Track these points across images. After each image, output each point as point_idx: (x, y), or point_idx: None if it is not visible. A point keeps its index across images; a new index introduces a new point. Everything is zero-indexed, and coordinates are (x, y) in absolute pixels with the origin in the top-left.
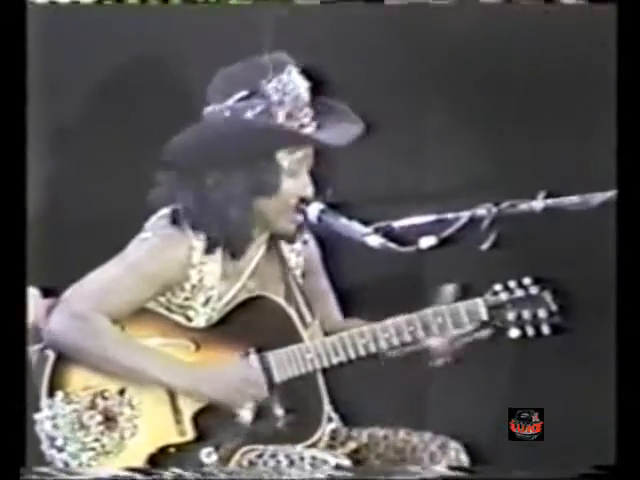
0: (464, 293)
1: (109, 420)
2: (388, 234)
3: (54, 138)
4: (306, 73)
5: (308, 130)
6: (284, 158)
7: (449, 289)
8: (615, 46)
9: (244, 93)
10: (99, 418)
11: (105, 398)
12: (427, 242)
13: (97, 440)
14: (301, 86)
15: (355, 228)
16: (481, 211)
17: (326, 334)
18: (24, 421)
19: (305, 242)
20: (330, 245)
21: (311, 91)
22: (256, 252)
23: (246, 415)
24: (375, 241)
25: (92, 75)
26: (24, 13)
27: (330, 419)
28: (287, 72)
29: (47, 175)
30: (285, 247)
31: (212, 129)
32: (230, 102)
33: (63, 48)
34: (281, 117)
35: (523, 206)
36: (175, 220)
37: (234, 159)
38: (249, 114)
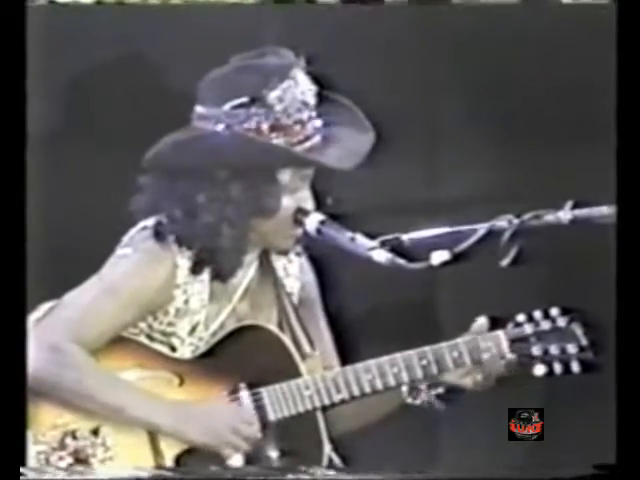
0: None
1: (80, 462)
2: (396, 248)
3: (54, 138)
4: (313, 75)
5: (314, 141)
6: (285, 175)
7: (481, 322)
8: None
9: (243, 100)
10: (69, 460)
11: (76, 438)
12: (440, 257)
13: None
14: (307, 90)
15: (359, 242)
16: (501, 223)
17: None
18: (24, 421)
19: (299, 254)
20: (330, 261)
21: (318, 96)
22: (246, 270)
23: (236, 460)
24: (381, 256)
25: (92, 75)
26: (24, 13)
27: (331, 462)
28: (292, 77)
29: (47, 174)
30: (280, 267)
31: (207, 141)
32: (226, 108)
33: (63, 48)
34: (284, 129)
35: (548, 217)
36: (158, 234)
37: (231, 177)
38: (248, 124)
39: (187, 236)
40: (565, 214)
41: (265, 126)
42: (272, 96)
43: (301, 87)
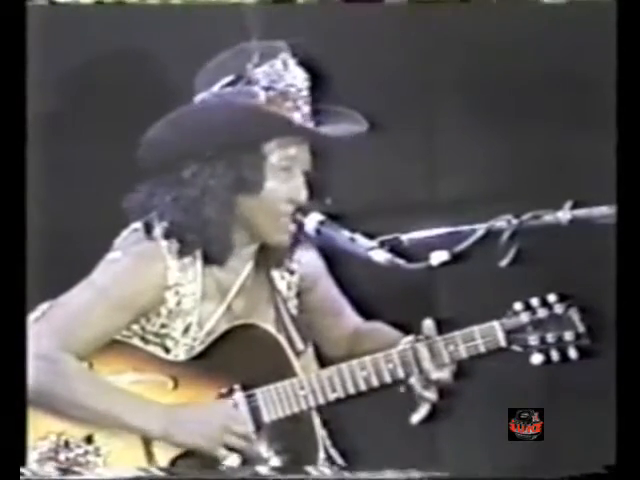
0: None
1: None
2: (395, 248)
3: (54, 137)
4: (308, 70)
5: (307, 126)
6: (273, 152)
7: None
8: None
9: (230, 78)
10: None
11: (69, 445)
12: (439, 257)
13: None
14: (299, 77)
15: (358, 242)
16: (500, 223)
17: (351, 347)
18: (24, 421)
19: (298, 263)
20: (330, 261)
21: (310, 88)
22: (242, 267)
23: (232, 460)
24: (381, 256)
25: (92, 75)
26: (24, 13)
27: (330, 460)
28: (281, 60)
29: (48, 173)
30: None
31: (190, 115)
32: (216, 88)
33: (63, 48)
34: (270, 105)
35: (547, 217)
36: (148, 230)
37: (214, 148)
38: (235, 100)
39: (174, 222)
40: (564, 214)
41: (251, 100)
42: (258, 71)
43: (292, 73)
